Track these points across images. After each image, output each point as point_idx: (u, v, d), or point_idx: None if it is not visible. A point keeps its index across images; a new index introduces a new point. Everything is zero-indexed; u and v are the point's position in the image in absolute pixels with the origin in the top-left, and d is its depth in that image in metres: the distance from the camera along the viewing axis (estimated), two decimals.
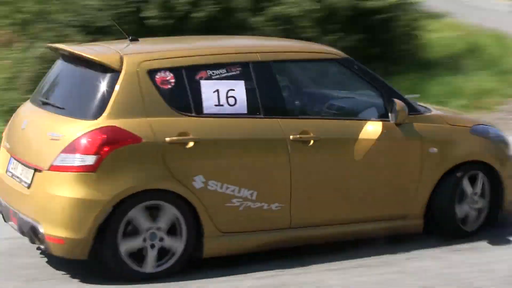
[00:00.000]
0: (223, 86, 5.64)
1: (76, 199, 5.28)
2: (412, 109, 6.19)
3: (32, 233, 5.46)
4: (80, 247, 5.33)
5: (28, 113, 5.96)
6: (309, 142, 5.79)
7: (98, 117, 5.40)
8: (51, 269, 5.75)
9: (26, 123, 5.82)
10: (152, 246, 5.46)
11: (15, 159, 5.82)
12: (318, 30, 12.10)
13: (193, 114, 5.56)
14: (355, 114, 6.12)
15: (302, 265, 5.81)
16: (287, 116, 5.81)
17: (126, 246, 5.39)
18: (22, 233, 5.61)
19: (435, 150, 6.15)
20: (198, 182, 5.48)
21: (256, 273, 5.67)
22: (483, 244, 6.28)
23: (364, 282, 5.56)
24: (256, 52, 5.88)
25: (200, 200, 5.50)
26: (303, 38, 10.22)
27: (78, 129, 5.37)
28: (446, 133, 6.28)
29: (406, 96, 6.33)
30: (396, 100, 6.02)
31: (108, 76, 5.50)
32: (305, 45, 6.85)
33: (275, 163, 5.71)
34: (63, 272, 5.69)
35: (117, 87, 5.45)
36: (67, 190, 5.29)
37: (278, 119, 5.76)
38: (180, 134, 5.47)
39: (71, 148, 5.33)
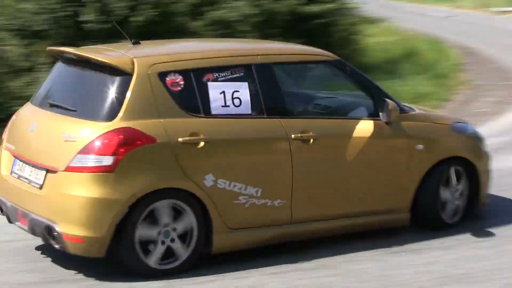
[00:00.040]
0: (229, 87, 5.84)
1: (94, 199, 5.40)
2: (400, 109, 6.45)
3: (46, 233, 5.55)
4: (98, 245, 5.46)
5: (35, 116, 5.99)
6: (309, 140, 6.01)
7: (113, 119, 5.53)
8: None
9: (34, 125, 5.86)
10: (163, 242, 5.61)
11: (21, 160, 5.88)
12: (257, 35, 12.15)
13: (202, 115, 5.74)
14: (347, 113, 6.43)
15: (243, 268, 5.83)
16: (288, 116, 6.04)
17: (141, 232, 5.51)
18: (34, 233, 5.69)
19: (421, 147, 6.47)
20: (208, 180, 5.66)
21: (199, 277, 5.66)
22: (420, 246, 6.38)
23: (304, 285, 5.59)
24: (257, 55, 6.10)
25: (210, 198, 5.68)
26: None
27: (94, 130, 5.49)
28: (430, 131, 6.62)
29: None
30: (388, 100, 6.30)
31: (120, 79, 5.63)
32: (300, 47, 7.10)
33: (278, 161, 5.95)
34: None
35: (130, 90, 5.59)
36: (85, 190, 5.41)
37: (280, 119, 5.98)
38: (191, 134, 5.65)
39: (88, 149, 5.45)
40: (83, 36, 10.69)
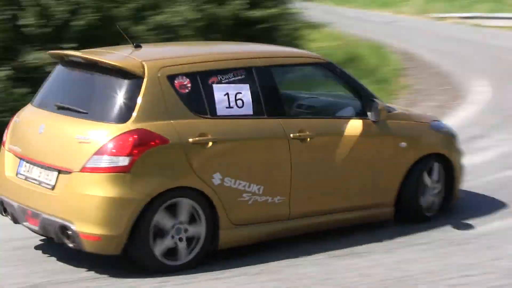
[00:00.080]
0: (232, 89, 6.08)
1: (111, 198, 5.55)
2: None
3: (60, 232, 5.68)
4: (115, 243, 5.62)
5: (43, 118, 6.06)
6: (306, 139, 6.30)
7: (126, 120, 5.69)
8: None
9: (43, 127, 5.95)
10: (180, 239, 5.83)
11: (28, 162, 5.98)
12: (200, 39, 12.11)
13: (209, 116, 5.96)
14: (335, 113, 6.76)
15: (189, 273, 5.81)
16: (286, 116, 6.34)
17: (159, 247, 5.74)
18: (46, 232, 5.81)
19: (404, 144, 6.82)
20: (216, 179, 5.90)
21: (143, 283, 5.65)
22: (362, 249, 6.45)
23: None
24: (257, 58, 6.36)
25: (217, 195, 5.91)
26: None
27: (109, 132, 5.64)
28: (412, 129, 6.99)
29: None
30: (377, 100, 6.64)
31: (131, 82, 5.80)
32: (293, 50, 7.47)
33: (279, 159, 6.21)
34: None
35: (141, 92, 5.76)
36: (102, 190, 5.56)
37: (280, 119, 6.25)
38: (200, 135, 5.86)
39: (104, 150, 5.59)
40: (23, 40, 10.51)
